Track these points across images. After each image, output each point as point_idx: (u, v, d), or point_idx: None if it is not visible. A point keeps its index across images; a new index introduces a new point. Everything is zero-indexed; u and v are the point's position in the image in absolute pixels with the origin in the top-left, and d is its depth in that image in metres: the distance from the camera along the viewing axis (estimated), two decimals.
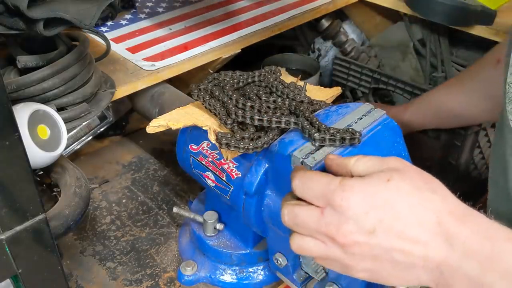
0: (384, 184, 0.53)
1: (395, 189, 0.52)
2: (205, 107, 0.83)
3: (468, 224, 0.51)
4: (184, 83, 1.19)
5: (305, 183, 0.57)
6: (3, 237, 0.50)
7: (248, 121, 0.77)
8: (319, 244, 0.55)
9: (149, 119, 0.83)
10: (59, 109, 0.85)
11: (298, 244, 0.57)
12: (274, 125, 0.75)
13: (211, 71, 1.16)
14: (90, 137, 1.12)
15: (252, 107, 0.80)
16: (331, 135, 0.68)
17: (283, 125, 0.74)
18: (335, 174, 0.59)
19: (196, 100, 0.85)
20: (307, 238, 0.56)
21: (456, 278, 0.50)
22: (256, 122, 0.77)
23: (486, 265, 0.49)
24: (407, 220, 0.51)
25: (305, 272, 0.82)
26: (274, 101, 0.82)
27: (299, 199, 0.59)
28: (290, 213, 0.57)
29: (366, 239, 0.52)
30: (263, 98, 0.83)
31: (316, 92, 0.91)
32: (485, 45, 1.16)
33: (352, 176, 0.57)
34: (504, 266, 0.49)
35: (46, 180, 0.84)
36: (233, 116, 0.78)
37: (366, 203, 0.52)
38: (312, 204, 0.56)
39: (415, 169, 0.55)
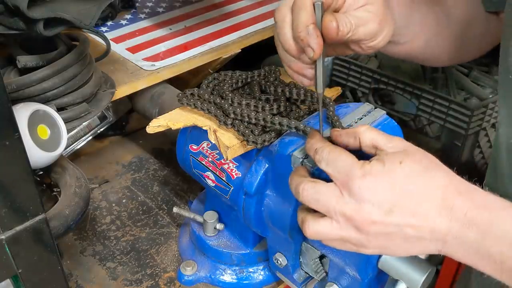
0: (397, 167, 0.57)
1: (409, 171, 0.57)
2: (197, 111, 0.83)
3: (469, 197, 0.56)
4: (184, 83, 1.19)
5: (333, 158, 0.59)
6: (3, 237, 0.50)
7: (246, 119, 0.77)
8: (334, 225, 0.58)
9: (149, 119, 0.83)
10: (59, 109, 0.85)
11: (314, 229, 0.59)
12: (276, 126, 0.74)
13: (211, 71, 1.16)
14: (90, 137, 1.12)
15: (248, 104, 0.79)
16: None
17: (285, 128, 0.74)
18: (343, 144, 0.63)
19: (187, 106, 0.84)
20: (323, 222, 0.58)
21: (458, 246, 0.56)
22: (253, 121, 0.77)
23: (484, 231, 0.54)
24: (418, 198, 0.56)
25: (305, 272, 0.82)
26: (266, 100, 0.82)
27: (312, 173, 0.62)
28: (311, 189, 0.59)
29: (383, 219, 0.56)
30: (262, 97, 0.83)
31: None
32: None
33: (360, 143, 0.61)
34: (499, 231, 0.54)
35: (46, 180, 0.84)
36: (232, 116, 0.78)
37: (384, 187, 0.56)
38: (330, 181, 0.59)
39: (420, 150, 0.60)
